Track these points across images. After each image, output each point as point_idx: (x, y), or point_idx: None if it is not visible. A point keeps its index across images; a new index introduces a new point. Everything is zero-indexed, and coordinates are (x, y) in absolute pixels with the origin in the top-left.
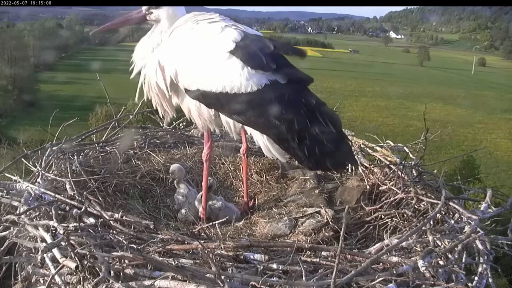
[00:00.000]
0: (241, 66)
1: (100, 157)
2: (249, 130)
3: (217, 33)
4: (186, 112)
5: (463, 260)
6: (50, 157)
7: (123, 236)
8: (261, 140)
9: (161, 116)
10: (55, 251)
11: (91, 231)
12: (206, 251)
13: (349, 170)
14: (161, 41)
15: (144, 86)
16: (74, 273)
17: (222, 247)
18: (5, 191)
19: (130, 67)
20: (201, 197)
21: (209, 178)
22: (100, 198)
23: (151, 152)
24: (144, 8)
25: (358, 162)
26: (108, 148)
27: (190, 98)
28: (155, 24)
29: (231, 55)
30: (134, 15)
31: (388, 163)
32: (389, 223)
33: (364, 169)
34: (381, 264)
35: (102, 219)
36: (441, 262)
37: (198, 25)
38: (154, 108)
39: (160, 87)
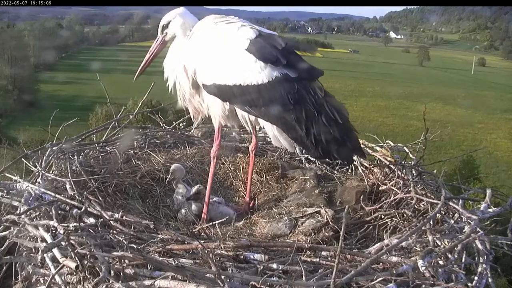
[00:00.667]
0: (254, 61)
1: (100, 157)
2: (261, 122)
3: (234, 32)
4: (205, 110)
5: (463, 260)
6: (50, 157)
7: (123, 236)
8: (270, 130)
9: (192, 119)
10: (55, 251)
11: (91, 231)
12: (206, 251)
13: (349, 170)
14: (182, 48)
15: (179, 96)
16: (74, 273)
17: (222, 247)
18: (5, 191)
19: (167, 84)
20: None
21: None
22: (100, 198)
23: (151, 152)
24: (158, 33)
25: (365, 154)
26: (108, 148)
27: (207, 94)
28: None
29: (245, 51)
30: (157, 45)
31: (388, 163)
32: (389, 223)
33: (364, 169)
34: (381, 264)
35: (102, 219)
36: (441, 262)
37: (217, 26)
38: (192, 117)
39: (186, 90)
